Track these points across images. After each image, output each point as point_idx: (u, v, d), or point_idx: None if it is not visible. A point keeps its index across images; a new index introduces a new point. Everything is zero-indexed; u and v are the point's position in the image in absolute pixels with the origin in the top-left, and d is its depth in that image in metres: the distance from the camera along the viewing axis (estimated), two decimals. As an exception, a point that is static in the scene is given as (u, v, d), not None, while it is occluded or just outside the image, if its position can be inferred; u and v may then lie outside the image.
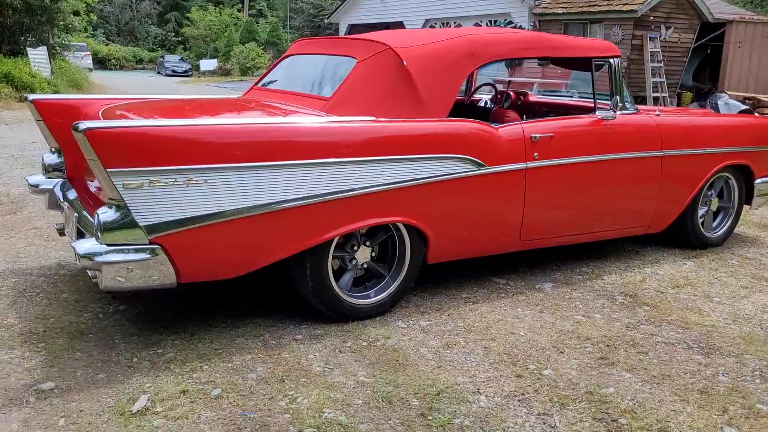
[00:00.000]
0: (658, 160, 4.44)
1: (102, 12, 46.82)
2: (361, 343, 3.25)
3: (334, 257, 3.40)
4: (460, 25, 20.63)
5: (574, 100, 5.18)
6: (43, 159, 4.11)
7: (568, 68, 4.87)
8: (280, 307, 3.64)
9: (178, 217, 2.90)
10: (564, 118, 4.17)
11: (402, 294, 3.64)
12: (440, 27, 21.60)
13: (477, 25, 19.96)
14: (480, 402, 2.72)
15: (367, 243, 3.53)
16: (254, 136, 3.03)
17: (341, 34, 27.49)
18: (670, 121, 4.59)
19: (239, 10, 47.59)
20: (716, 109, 13.45)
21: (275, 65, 4.55)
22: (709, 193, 4.95)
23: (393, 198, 3.40)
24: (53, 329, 3.34)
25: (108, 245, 2.83)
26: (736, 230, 5.35)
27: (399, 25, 23.74)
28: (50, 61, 17.52)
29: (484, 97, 5.42)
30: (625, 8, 14.04)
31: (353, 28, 27.02)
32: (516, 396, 2.78)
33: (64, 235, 3.94)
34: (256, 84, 4.50)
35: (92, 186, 3.89)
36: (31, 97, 4.01)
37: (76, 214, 3.42)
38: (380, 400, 2.72)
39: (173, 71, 39.06)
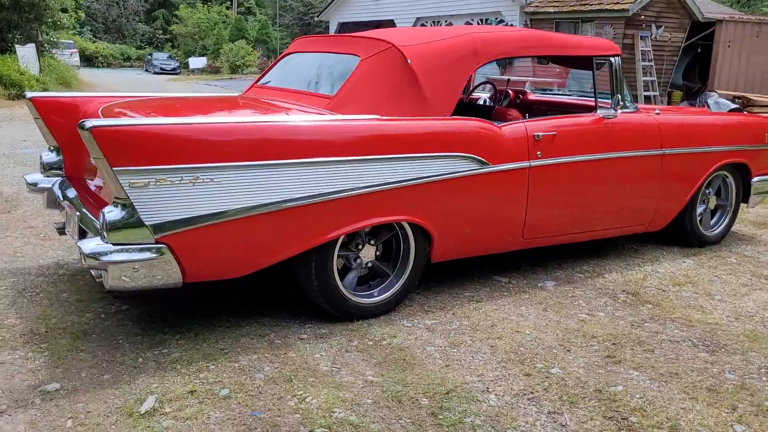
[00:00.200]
0: (658, 158, 4.46)
1: (89, 9, 46.46)
2: (367, 343, 3.24)
3: (338, 256, 3.39)
4: (451, 24, 20.64)
5: (574, 99, 5.18)
6: (41, 157, 4.07)
7: (568, 67, 4.89)
8: (284, 306, 3.62)
9: (184, 216, 2.88)
10: (566, 117, 4.18)
11: (406, 293, 3.63)
12: (431, 25, 21.59)
13: (468, 23, 19.98)
14: (490, 401, 2.72)
15: (372, 242, 3.52)
16: (261, 134, 3.01)
17: (331, 32, 27.44)
18: (670, 119, 4.60)
19: (228, 8, 47.37)
20: (707, 108, 13.53)
21: (276, 63, 4.52)
22: (708, 191, 4.98)
23: (398, 197, 3.39)
24: (55, 329, 3.30)
25: (114, 245, 2.80)
26: (733, 228, 5.38)
27: (390, 23, 23.72)
28: (39, 59, 17.35)
29: (483, 96, 5.42)
30: (616, 7, 14.10)
31: (343, 27, 26.98)
32: (525, 395, 2.77)
33: (65, 234, 3.90)
34: (256, 82, 4.47)
35: (92, 184, 3.86)
36: (30, 94, 3.97)
37: (78, 213, 3.38)
38: (390, 400, 2.71)
39: (161, 69, 38.83)
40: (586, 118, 4.21)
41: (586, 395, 2.77)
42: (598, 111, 4.24)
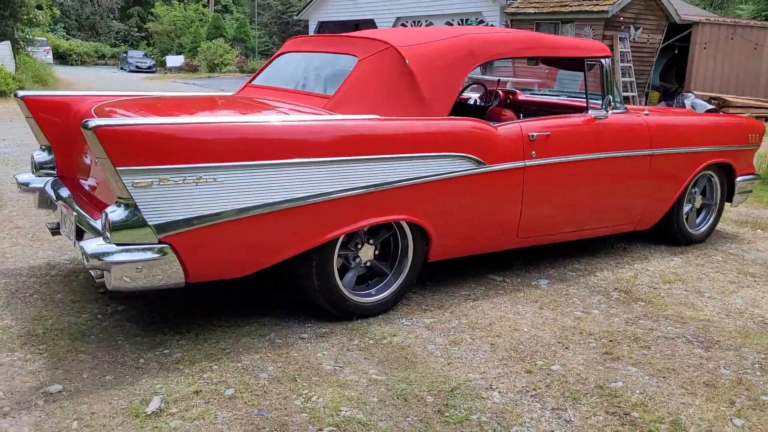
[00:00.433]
0: (647, 158, 4.53)
1: (62, 6, 45.79)
2: (368, 341, 3.25)
3: (338, 256, 3.40)
4: (431, 24, 20.71)
5: (563, 99, 5.25)
6: (32, 157, 4.02)
7: (560, 68, 4.95)
8: (283, 305, 3.62)
9: (187, 216, 2.87)
10: (560, 117, 4.23)
11: (404, 292, 3.66)
12: (411, 25, 21.65)
13: (449, 23, 20.06)
14: (494, 398, 2.76)
15: (371, 241, 3.54)
16: (264, 134, 3.01)
17: (311, 31, 27.37)
18: (659, 120, 4.68)
19: (204, 6, 46.99)
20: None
21: (270, 62, 4.51)
22: (694, 190, 5.07)
23: (397, 196, 3.41)
24: (53, 331, 3.27)
25: (117, 245, 2.79)
26: (717, 227, 5.49)
27: (370, 22, 23.73)
28: (14, 56, 17.06)
29: (473, 96, 5.46)
30: (596, 8, 14.28)
31: (323, 26, 26.93)
32: (528, 391, 2.81)
33: (58, 234, 3.86)
34: (250, 81, 4.46)
35: (86, 184, 3.82)
36: (21, 93, 3.92)
37: (74, 213, 3.35)
38: (395, 398, 2.73)
39: (137, 67, 38.46)
40: (578, 119, 4.27)
41: (588, 391, 2.82)
42: (590, 111, 4.30)
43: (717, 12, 27.58)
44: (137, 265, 2.82)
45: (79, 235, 3.32)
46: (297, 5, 33.52)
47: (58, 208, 3.64)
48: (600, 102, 4.40)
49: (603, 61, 4.41)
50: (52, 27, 40.79)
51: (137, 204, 2.78)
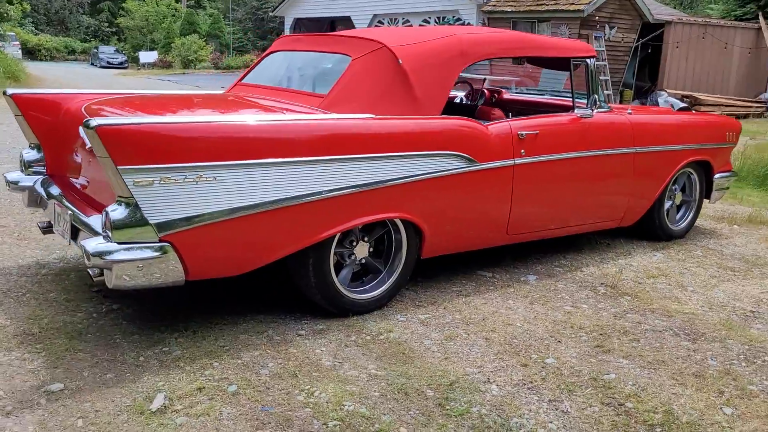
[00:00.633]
0: (631, 156, 4.64)
1: (31, 0, 44.96)
2: (365, 337, 3.30)
3: (333, 253, 3.44)
4: (408, 21, 20.77)
5: (549, 98, 5.34)
6: (21, 155, 3.99)
7: (546, 67, 5.03)
8: (278, 303, 3.65)
9: (187, 215, 2.89)
10: (547, 116, 4.32)
11: (398, 288, 3.71)
12: (388, 23, 21.69)
13: (425, 21, 20.14)
14: (492, 391, 2.82)
15: (365, 239, 3.58)
16: (265, 133, 3.04)
17: (286, 27, 27.26)
18: (642, 119, 4.80)
19: (177, 1, 46.49)
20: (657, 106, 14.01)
21: (260, 61, 4.53)
22: (674, 187, 5.20)
23: (392, 194, 3.46)
24: (49, 330, 3.26)
25: (118, 243, 2.80)
26: (696, 223, 5.63)
27: (346, 20, 23.71)
28: (-15, 52, 16.75)
29: (459, 94, 5.53)
30: (572, 8, 14.46)
31: (299, 22, 26.83)
32: (525, 384, 2.89)
33: (50, 232, 3.84)
34: (240, 79, 4.47)
35: (77, 182, 3.80)
36: (10, 91, 3.89)
37: (70, 212, 3.34)
38: (396, 392, 2.79)
39: (108, 63, 37.97)
40: (565, 118, 4.36)
41: (582, 383, 2.90)
42: (576, 111, 4.39)
43: (687, 12, 28.08)
44: (138, 263, 2.83)
45: (74, 233, 3.31)
46: (272, 1, 33.35)
47: (51, 206, 3.62)
48: (585, 101, 4.49)
49: (588, 61, 4.51)
50: (20, 22, 40.05)
51: (138, 203, 2.79)
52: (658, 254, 4.88)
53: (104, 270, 2.87)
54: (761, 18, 18.22)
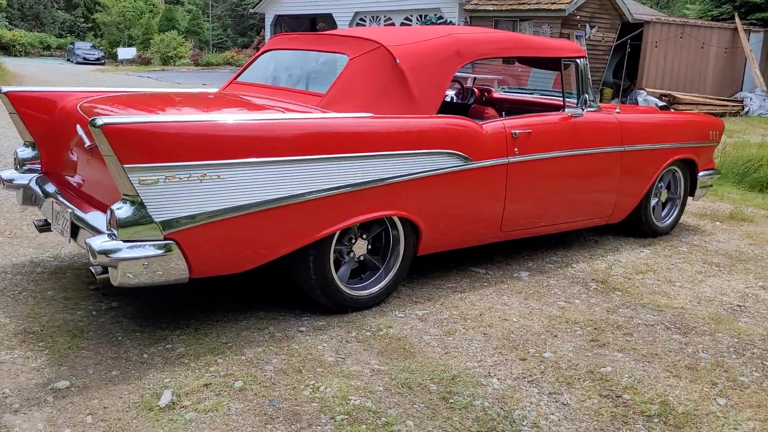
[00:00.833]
0: (619, 155, 4.74)
1: (5, -6, 44.20)
2: (365, 333, 3.35)
3: (333, 250, 3.48)
4: (390, 19, 20.81)
5: (539, 97, 5.42)
6: (16, 153, 3.98)
7: (537, 67, 5.11)
8: (277, 300, 3.69)
9: (191, 213, 2.91)
10: (539, 115, 4.40)
11: (396, 285, 3.76)
12: (370, 21, 21.72)
13: (407, 19, 20.21)
14: (493, 384, 2.89)
15: (364, 236, 3.63)
16: (269, 131, 3.07)
17: (267, 24, 27.17)
18: (629, 118, 4.90)
19: (155, -3, 46.02)
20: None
21: (255, 59, 4.54)
22: (660, 185, 5.32)
23: (391, 192, 3.51)
24: (50, 328, 3.27)
25: (124, 241, 2.82)
26: (680, 220, 5.75)
27: (328, 17, 23.71)
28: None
29: (449, 93, 5.59)
30: (553, 7, 14.61)
31: (279, 19, 26.76)
32: (525, 377, 2.96)
33: (47, 231, 3.84)
34: (235, 78, 4.48)
35: (74, 180, 3.80)
36: (5, 89, 3.88)
37: (70, 210, 3.34)
38: (400, 386, 2.84)
39: (84, 59, 37.46)
40: (556, 117, 4.44)
41: (580, 376, 2.98)
42: (566, 110, 4.48)
43: (663, 11, 28.48)
44: (144, 261, 2.85)
45: (74, 231, 3.31)
46: (252, -2, 33.14)
47: (49, 205, 3.61)
48: (574, 100, 4.58)
49: (578, 61, 4.60)
50: (-7, 17, 39.42)
51: (143, 201, 2.81)
52: (645, 250, 4.98)
53: (109, 268, 2.89)
54: (737, 18, 18.55)
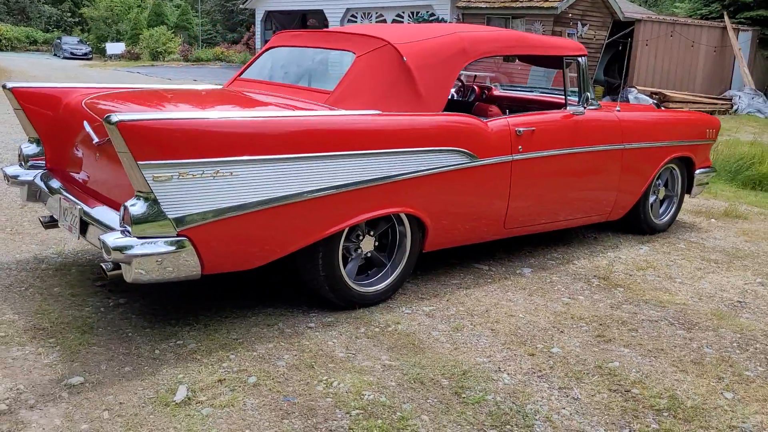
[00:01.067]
0: (619, 152, 4.79)
1: (-11, -11, 43.82)
2: (374, 329, 3.38)
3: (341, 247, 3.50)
4: (381, 16, 20.81)
5: (538, 95, 5.46)
6: (20, 149, 3.97)
7: (540, 65, 5.15)
8: (282, 296, 3.70)
9: (204, 210, 2.93)
10: (542, 113, 4.44)
11: (402, 281, 3.79)
12: (361, 17, 21.70)
13: (399, 16, 20.21)
14: (504, 380, 2.93)
15: (371, 233, 3.65)
16: (281, 128, 3.09)
17: (257, 20, 27.09)
18: (629, 117, 4.95)
19: (143, -8, 45.67)
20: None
21: (258, 56, 4.55)
22: (658, 182, 5.38)
23: (399, 189, 3.54)
24: (59, 324, 3.27)
25: (137, 238, 2.82)
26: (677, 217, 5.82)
27: (319, 13, 23.66)
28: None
29: (450, 91, 5.60)
30: (545, 5, 14.67)
31: (270, 15, 26.69)
32: (535, 372, 3.00)
33: (53, 227, 3.84)
34: (239, 75, 4.49)
35: (79, 177, 3.80)
36: (10, 84, 3.86)
37: (78, 207, 3.34)
38: (412, 382, 2.87)
39: (72, 54, 37.16)
40: (558, 115, 4.48)
41: (589, 371, 3.03)
42: (569, 108, 4.52)
43: (652, 10, 28.65)
44: (157, 258, 2.86)
45: (84, 228, 3.31)
46: (242, -7, 32.97)
47: (56, 201, 3.60)
48: (576, 99, 4.62)
49: (580, 59, 4.64)
50: (-21, 11, 39.00)
51: (157, 198, 2.82)
52: (644, 247, 5.04)
53: (122, 265, 2.89)
54: (726, 17, 18.72)
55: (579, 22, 15.43)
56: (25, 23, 49.20)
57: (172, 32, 33.42)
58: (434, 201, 3.74)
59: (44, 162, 3.95)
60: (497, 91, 5.64)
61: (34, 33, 46.84)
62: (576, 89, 4.65)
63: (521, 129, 4.10)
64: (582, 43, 15.61)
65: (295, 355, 3.06)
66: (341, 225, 3.36)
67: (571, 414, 2.68)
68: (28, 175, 3.89)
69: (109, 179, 3.49)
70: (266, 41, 26.86)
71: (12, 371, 2.83)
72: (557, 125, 4.41)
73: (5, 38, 42.94)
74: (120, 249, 2.79)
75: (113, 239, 2.83)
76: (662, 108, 13.49)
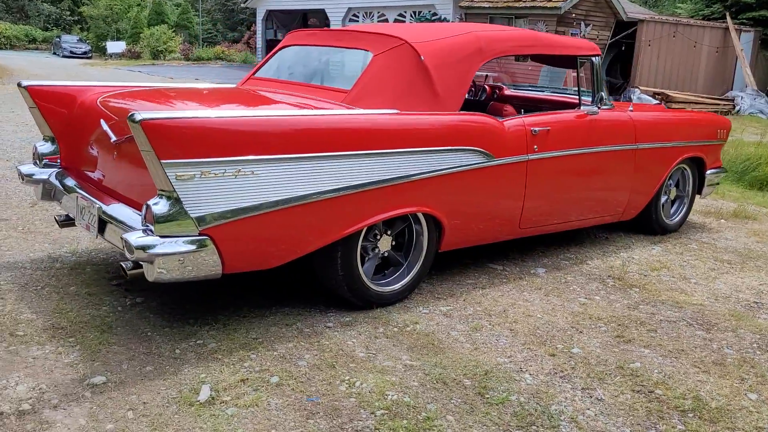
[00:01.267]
0: (632, 152, 4.79)
1: (-12, -13, 43.71)
2: (393, 329, 3.37)
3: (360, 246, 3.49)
4: (383, 15, 20.80)
5: (549, 95, 5.46)
6: (35, 148, 3.95)
7: (554, 65, 5.14)
8: (301, 296, 3.69)
9: (226, 209, 2.92)
10: (557, 113, 4.43)
11: (419, 281, 3.78)
12: (363, 17, 21.69)
13: (401, 15, 20.20)
14: (526, 380, 2.92)
15: (388, 232, 3.64)
16: (303, 127, 3.08)
17: (258, 19, 27.07)
18: (642, 116, 4.94)
19: (143, -10, 45.56)
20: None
21: (272, 55, 4.54)
22: (669, 182, 5.37)
23: (417, 188, 3.53)
24: (77, 323, 3.25)
25: (160, 237, 2.81)
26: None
27: (320, 12, 23.65)
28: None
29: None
30: (549, 5, 14.67)
31: (271, 14, 26.67)
32: (557, 373, 2.99)
33: (68, 226, 3.83)
34: (253, 73, 4.47)
35: (94, 175, 3.78)
36: (25, 83, 3.85)
37: (97, 205, 3.33)
38: (435, 382, 2.86)
39: (71, 52, 37.05)
40: (573, 114, 4.47)
41: (610, 372, 3.02)
42: (582, 107, 4.51)
43: (653, 10, 28.67)
44: (180, 256, 2.85)
45: (102, 226, 3.30)
46: (242, -8, 32.93)
47: (73, 200, 3.59)
48: (589, 98, 4.62)
49: (594, 59, 4.63)
50: (-22, 9, 38.92)
51: (180, 196, 2.81)
52: (657, 247, 5.04)
53: (143, 264, 2.88)
54: (728, 18, 18.73)
55: (582, 22, 15.43)
56: (24, 22, 49.06)
57: (173, 31, 33.37)
58: (451, 200, 3.73)
59: (59, 160, 3.93)
60: (508, 91, 5.63)
61: (33, 31, 46.69)
62: (588, 89, 4.64)
63: (536, 129, 4.09)
64: (585, 43, 15.64)
65: (316, 355, 3.05)
66: (361, 224, 3.35)
67: (596, 415, 2.68)
68: (43, 173, 3.87)
69: (126, 178, 3.47)
70: (267, 40, 26.90)
71: (33, 370, 2.81)
72: (572, 125, 4.40)
73: (4, 37, 42.81)
74: (143, 248, 2.78)
75: (136, 238, 2.82)
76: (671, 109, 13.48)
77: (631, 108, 4.98)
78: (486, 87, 5.58)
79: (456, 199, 3.76)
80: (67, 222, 3.82)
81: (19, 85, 3.85)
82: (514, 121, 4.05)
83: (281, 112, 3.36)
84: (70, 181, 3.76)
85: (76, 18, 48.45)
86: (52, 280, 3.79)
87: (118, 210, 3.27)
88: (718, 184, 5.81)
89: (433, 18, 18.05)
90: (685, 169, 5.45)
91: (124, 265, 3.01)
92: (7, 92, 13.50)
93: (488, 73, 6.63)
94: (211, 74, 22.59)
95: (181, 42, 32.45)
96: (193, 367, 2.89)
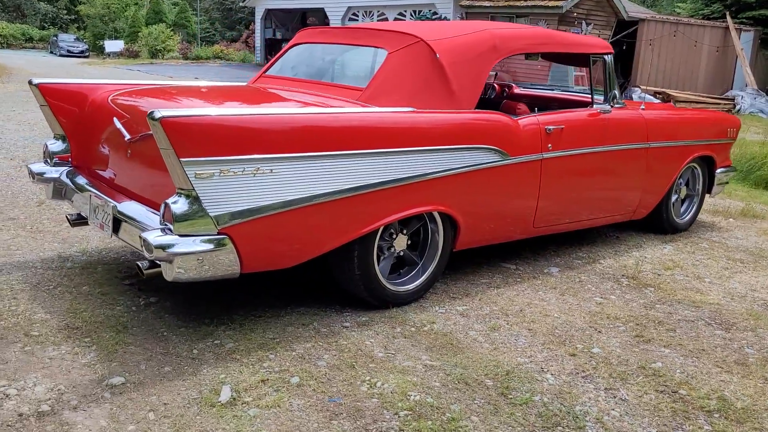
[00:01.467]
0: (644, 151, 4.76)
1: (-16, -14, 43.55)
2: (410, 329, 3.34)
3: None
4: (383, 14, 20.76)
5: (558, 93, 5.44)
6: (46, 146, 3.91)
7: (566, 63, 5.12)
8: (316, 295, 3.66)
9: (245, 207, 2.89)
10: (570, 112, 4.40)
11: (434, 281, 3.76)
12: (363, 16, 21.66)
13: (401, 14, 20.17)
14: (548, 380, 2.89)
15: (404, 231, 3.62)
16: (322, 125, 3.05)
17: (257, 18, 27.01)
18: (654, 115, 4.92)
19: (141, -11, 45.40)
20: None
21: (283, 53, 4.50)
22: (679, 181, 5.36)
23: (433, 187, 3.50)
24: (92, 323, 3.22)
25: (179, 236, 2.78)
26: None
27: (320, 11, 23.60)
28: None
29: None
30: (550, 4, 14.65)
31: (270, 13, 26.62)
32: (578, 373, 2.96)
33: (80, 225, 3.79)
34: (264, 71, 4.44)
35: (106, 174, 3.74)
36: (36, 81, 3.81)
37: (111, 204, 3.29)
38: (456, 382, 2.83)
39: (69, 51, 36.89)
40: (586, 113, 4.44)
41: (632, 372, 3.00)
42: (595, 106, 4.49)
43: (652, 10, 28.69)
44: (198, 255, 2.81)
45: (117, 225, 3.27)
46: (241, -9, 32.85)
47: (85, 198, 3.55)
48: (601, 97, 4.59)
49: (606, 57, 4.61)
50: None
51: (199, 195, 2.78)
52: (668, 246, 5.02)
53: (162, 263, 2.85)
54: (728, 17, 18.74)
55: (583, 22, 15.42)
56: (21, 20, 48.88)
57: (171, 30, 33.26)
58: (467, 200, 3.70)
59: (70, 159, 3.90)
60: (518, 89, 5.60)
61: (29, 30, 46.50)
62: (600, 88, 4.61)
63: (551, 127, 4.06)
64: (586, 42, 15.63)
65: (335, 355, 3.02)
66: (378, 223, 3.32)
67: (621, 415, 2.65)
68: (54, 172, 3.84)
69: (140, 176, 3.44)
70: (266, 39, 26.83)
71: (50, 371, 2.78)
72: (585, 123, 4.38)
73: (1, 36, 42.64)
74: (162, 247, 2.75)
75: (155, 237, 2.78)
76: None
77: (642, 107, 4.96)
78: (495, 85, 5.55)
79: (472, 198, 3.73)
80: (79, 221, 3.78)
81: (30, 83, 3.81)
82: (528, 120, 4.03)
83: (299, 110, 3.33)
84: (81, 180, 3.73)
85: (73, 17, 48.28)
86: (64, 279, 3.75)
87: (134, 208, 3.24)
88: (727, 183, 5.80)
89: (433, 17, 18.02)
90: (695, 168, 5.43)
91: (140, 265, 2.97)
92: (6, 91, 13.44)
93: (496, 72, 6.60)
94: (210, 73, 22.52)
95: (179, 41, 32.34)
96: (212, 367, 2.86)
